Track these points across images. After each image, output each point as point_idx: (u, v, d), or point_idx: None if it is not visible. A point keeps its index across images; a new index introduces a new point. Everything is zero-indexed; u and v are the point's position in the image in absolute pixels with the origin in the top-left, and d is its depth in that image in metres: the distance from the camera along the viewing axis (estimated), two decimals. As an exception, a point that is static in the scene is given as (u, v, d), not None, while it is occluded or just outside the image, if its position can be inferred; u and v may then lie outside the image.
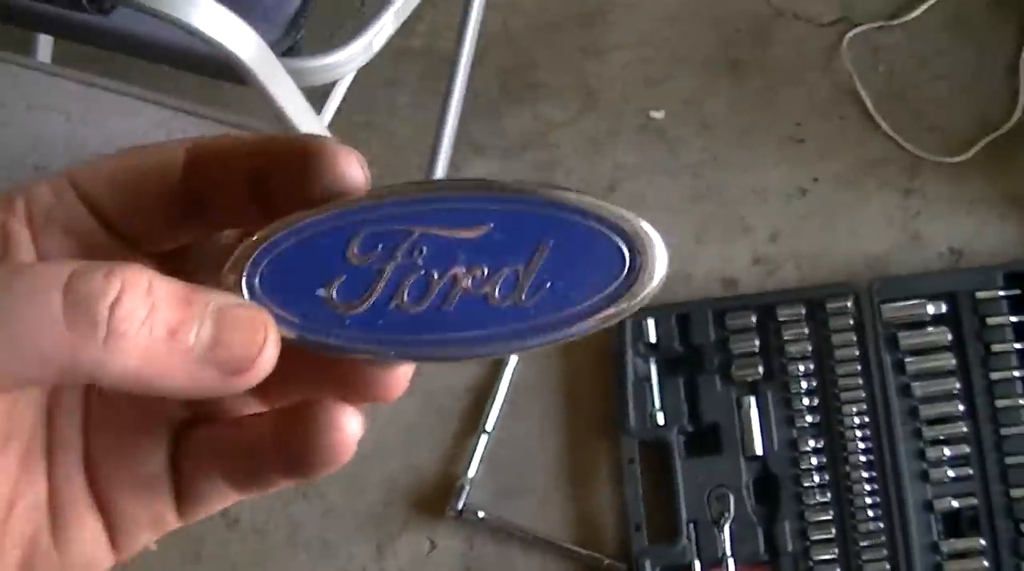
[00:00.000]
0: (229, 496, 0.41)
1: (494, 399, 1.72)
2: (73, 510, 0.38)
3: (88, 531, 0.39)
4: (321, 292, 0.36)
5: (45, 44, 1.67)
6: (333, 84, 1.53)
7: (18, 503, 0.37)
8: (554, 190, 0.37)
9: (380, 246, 0.36)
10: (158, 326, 0.32)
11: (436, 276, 0.36)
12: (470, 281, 0.36)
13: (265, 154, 0.37)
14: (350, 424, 0.37)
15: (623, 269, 0.37)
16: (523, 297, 0.36)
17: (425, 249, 0.36)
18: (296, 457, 0.38)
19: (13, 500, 0.37)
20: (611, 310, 0.37)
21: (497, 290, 0.36)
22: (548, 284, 0.36)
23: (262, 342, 0.34)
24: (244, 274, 0.36)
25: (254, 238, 0.36)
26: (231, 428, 0.41)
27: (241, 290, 0.36)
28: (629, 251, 0.37)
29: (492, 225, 0.36)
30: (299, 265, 0.36)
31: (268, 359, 0.34)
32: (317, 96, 1.51)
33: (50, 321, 0.31)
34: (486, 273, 0.36)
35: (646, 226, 0.37)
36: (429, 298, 0.36)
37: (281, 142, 0.38)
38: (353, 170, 0.36)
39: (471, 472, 1.69)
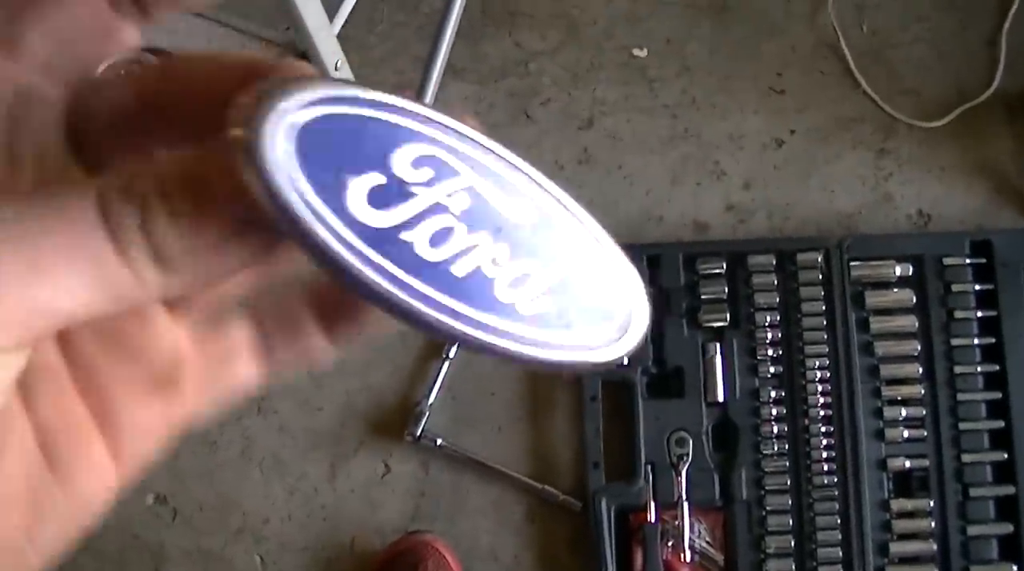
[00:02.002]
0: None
1: (458, 326, 1.69)
2: (60, 407, 0.34)
3: (87, 447, 0.35)
4: (349, 178, 0.30)
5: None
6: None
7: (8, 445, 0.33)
8: (601, 226, 0.35)
9: (428, 170, 0.31)
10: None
11: (463, 234, 0.32)
12: (490, 259, 0.32)
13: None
14: None
15: (617, 323, 0.34)
16: (527, 301, 0.33)
17: (468, 202, 0.32)
18: None
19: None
20: (586, 358, 0.34)
21: (507, 281, 0.32)
22: (550, 302, 0.33)
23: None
24: (266, 117, 0.29)
25: (296, 79, 0.30)
26: None
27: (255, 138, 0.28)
28: (630, 311, 0.35)
29: (538, 220, 0.34)
30: (340, 139, 0.30)
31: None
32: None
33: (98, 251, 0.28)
34: (508, 258, 0.32)
35: (645, 292, 0.35)
36: (444, 251, 0.31)
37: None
38: None
39: (431, 398, 1.67)
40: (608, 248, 0.35)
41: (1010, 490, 1.61)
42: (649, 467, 1.64)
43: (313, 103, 0.30)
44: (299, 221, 0.29)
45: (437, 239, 0.31)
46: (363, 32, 1.84)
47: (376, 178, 0.30)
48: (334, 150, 0.30)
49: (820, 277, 1.67)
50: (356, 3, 1.52)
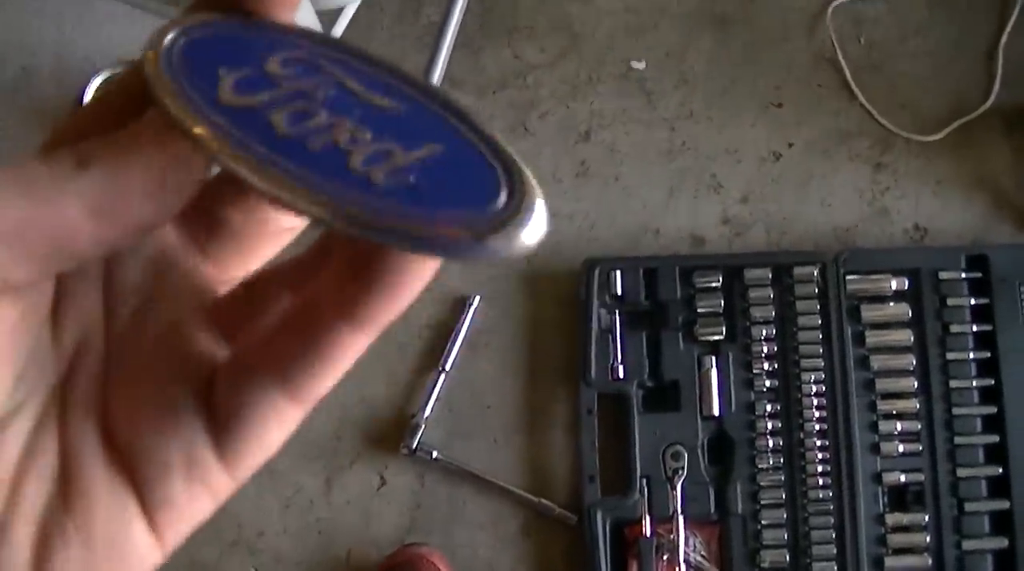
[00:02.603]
0: (279, 408, 0.36)
1: (455, 339, 1.69)
2: (89, 474, 0.35)
3: (110, 498, 0.36)
4: (223, 71, 0.35)
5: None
6: (339, 12, 1.48)
7: (28, 475, 0.34)
8: (478, 115, 0.36)
9: (297, 69, 0.36)
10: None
11: (323, 117, 0.34)
12: (346, 137, 0.34)
13: None
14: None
15: (493, 210, 0.33)
16: (381, 175, 0.33)
17: (332, 92, 0.35)
18: (368, 276, 0.34)
19: (22, 473, 0.34)
20: (451, 237, 0.32)
21: (364, 158, 0.33)
22: (411, 178, 0.33)
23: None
24: (163, 45, 0.35)
25: (192, 16, 0.37)
26: (274, 313, 0.38)
27: (158, 61, 0.35)
28: (508, 196, 0.33)
29: (401, 107, 0.36)
30: (219, 51, 0.36)
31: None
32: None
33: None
34: (366, 140, 0.34)
35: (536, 189, 0.34)
36: (302, 128, 0.34)
37: None
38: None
39: (427, 411, 1.67)
40: (486, 140, 0.35)
41: (1005, 505, 1.61)
42: (644, 481, 1.64)
43: (200, 27, 0.36)
44: (167, 101, 0.34)
45: (296, 119, 0.34)
46: (362, 43, 1.84)
47: (245, 71, 0.35)
48: (217, 55, 0.35)
49: (816, 291, 1.68)
50: (354, 15, 1.52)
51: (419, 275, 0.34)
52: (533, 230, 0.33)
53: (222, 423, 0.36)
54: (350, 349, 0.36)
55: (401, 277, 0.34)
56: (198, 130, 0.33)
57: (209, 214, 0.39)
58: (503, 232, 0.32)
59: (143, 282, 0.38)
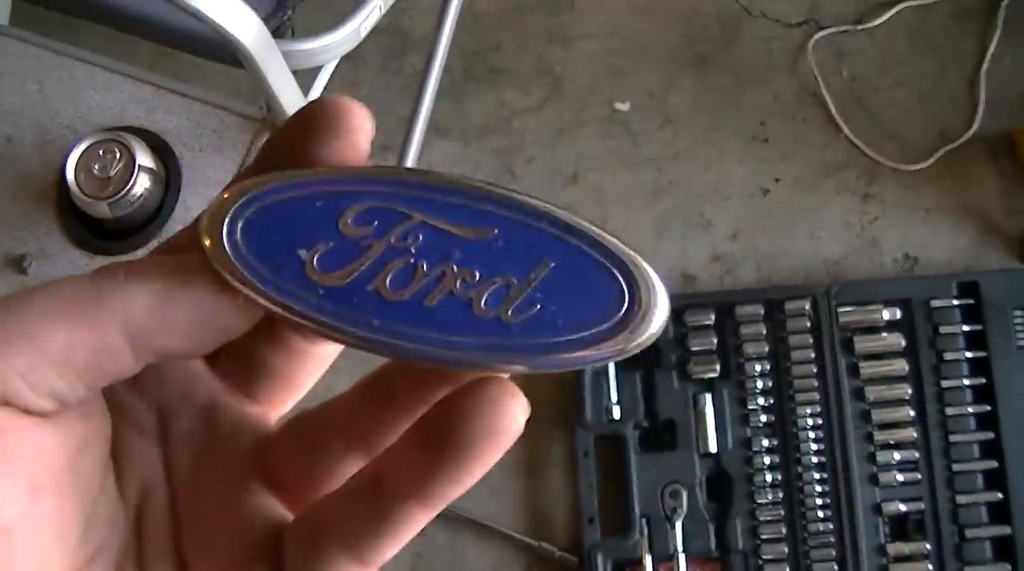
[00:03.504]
0: None
1: (450, 386, 1.70)
2: None
3: None
4: (302, 253, 0.33)
5: (2, 4, 1.60)
6: (318, 70, 1.49)
7: None
8: (569, 215, 0.34)
9: (376, 223, 0.34)
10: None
11: (425, 268, 0.33)
12: (459, 283, 0.33)
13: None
14: (509, 398, 0.33)
15: (620, 310, 0.34)
16: (509, 313, 0.33)
17: (421, 237, 0.34)
18: (443, 438, 0.33)
19: None
20: (596, 351, 0.34)
21: (484, 299, 0.33)
22: (538, 306, 0.33)
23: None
24: (225, 222, 0.34)
25: (244, 184, 0.34)
26: (340, 479, 0.38)
27: (219, 239, 0.34)
28: (629, 292, 0.34)
29: (496, 231, 0.34)
30: (286, 223, 0.34)
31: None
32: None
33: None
34: (477, 278, 0.33)
35: (650, 271, 0.34)
36: (412, 288, 0.33)
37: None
38: (364, 125, 0.35)
39: (425, 458, 1.67)
40: (592, 243, 0.34)
41: (1006, 530, 1.61)
42: (644, 520, 1.64)
43: (254, 200, 0.34)
44: (274, 302, 0.33)
45: (399, 280, 0.33)
46: (347, 96, 1.85)
47: (324, 244, 0.33)
48: (286, 228, 0.34)
49: (809, 324, 1.68)
50: (334, 71, 1.53)
51: (497, 445, 0.33)
52: (661, 317, 0.34)
53: None
54: (419, 523, 0.35)
55: (475, 450, 0.33)
56: (312, 325, 0.33)
57: (244, 355, 0.40)
58: (640, 328, 0.34)
59: (197, 430, 0.38)
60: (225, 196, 0.34)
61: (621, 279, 0.34)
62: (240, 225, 0.33)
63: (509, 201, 0.34)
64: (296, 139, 0.35)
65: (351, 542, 0.35)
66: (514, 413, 0.33)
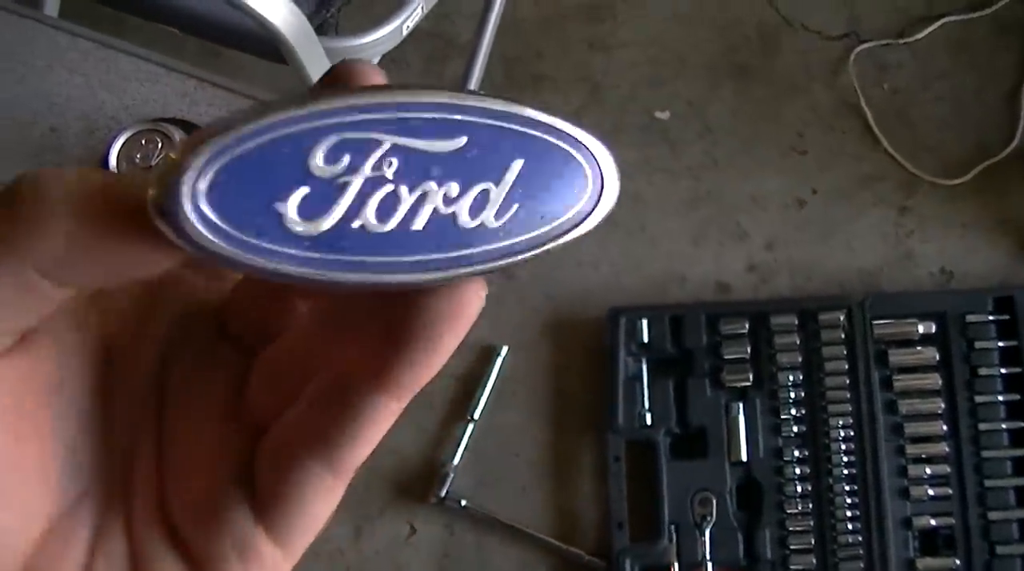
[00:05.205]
0: (322, 482, 0.36)
1: (483, 388, 1.71)
2: (156, 562, 0.36)
3: None
4: (279, 206, 0.31)
5: (52, -1, 1.63)
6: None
7: (97, 561, 0.35)
8: (522, 107, 0.33)
9: (347, 157, 0.31)
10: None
11: (406, 192, 0.32)
12: (441, 198, 0.32)
13: None
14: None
15: (588, 186, 0.34)
16: (493, 218, 0.33)
17: (396, 161, 0.32)
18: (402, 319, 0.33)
19: (92, 557, 0.35)
20: (581, 228, 0.34)
21: (467, 211, 0.33)
22: (517, 204, 0.33)
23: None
24: (181, 186, 0.30)
25: (194, 141, 0.30)
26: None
27: (172, 207, 0.30)
28: (591, 167, 0.34)
29: (465, 140, 0.33)
30: (253, 175, 0.31)
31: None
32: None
33: None
34: (458, 193, 0.32)
35: (594, 138, 0.34)
36: (397, 216, 0.32)
37: None
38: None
39: (455, 460, 1.68)
40: (549, 130, 0.34)
41: (1037, 548, 1.60)
42: (673, 527, 1.64)
43: (213, 157, 0.30)
44: (267, 272, 0.31)
45: (384, 210, 0.32)
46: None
47: (301, 191, 0.31)
48: (252, 188, 0.31)
49: (843, 336, 1.68)
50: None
51: (458, 324, 0.34)
52: (614, 178, 0.35)
53: (269, 505, 0.36)
54: (387, 416, 0.36)
55: (436, 329, 0.33)
56: (310, 281, 0.31)
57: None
58: (606, 195, 0.35)
59: (191, 368, 0.38)
60: (173, 156, 0.30)
61: (580, 158, 0.34)
62: (203, 193, 0.30)
63: (473, 106, 0.33)
64: None
65: (319, 448, 0.35)
66: (475, 289, 0.33)
